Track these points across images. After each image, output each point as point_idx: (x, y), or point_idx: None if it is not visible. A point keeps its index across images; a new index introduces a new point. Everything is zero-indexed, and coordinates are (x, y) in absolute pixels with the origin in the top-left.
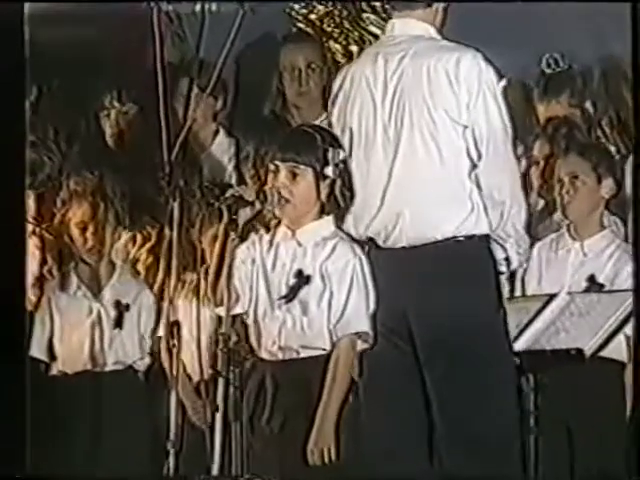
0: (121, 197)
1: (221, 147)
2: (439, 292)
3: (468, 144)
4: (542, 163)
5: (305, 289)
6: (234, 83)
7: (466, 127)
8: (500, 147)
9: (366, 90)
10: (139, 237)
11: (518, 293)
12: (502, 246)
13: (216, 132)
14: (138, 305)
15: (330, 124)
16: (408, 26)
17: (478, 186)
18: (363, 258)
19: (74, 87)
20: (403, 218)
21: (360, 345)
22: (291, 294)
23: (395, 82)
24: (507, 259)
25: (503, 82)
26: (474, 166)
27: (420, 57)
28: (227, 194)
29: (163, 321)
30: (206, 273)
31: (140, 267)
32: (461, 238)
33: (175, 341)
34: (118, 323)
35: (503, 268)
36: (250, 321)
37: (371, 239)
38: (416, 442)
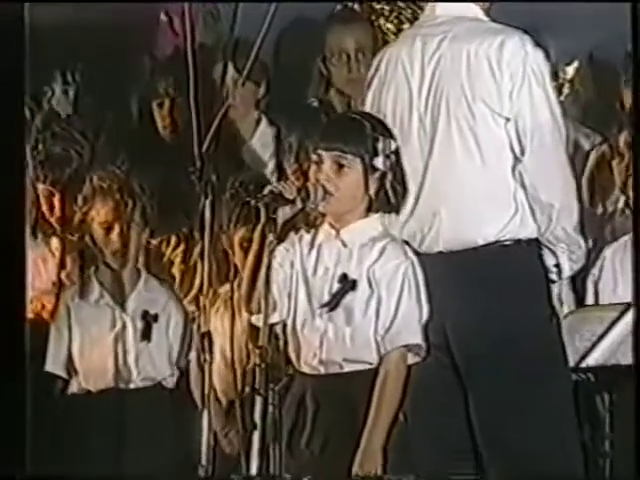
0: (150, 194)
1: (263, 138)
2: (482, 303)
3: (511, 138)
4: (627, 155)
5: (350, 296)
6: (273, 67)
7: (508, 119)
8: (547, 142)
9: (402, 75)
10: (173, 238)
11: (590, 301)
12: (552, 252)
13: (258, 121)
14: (167, 315)
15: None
16: (451, 5)
17: (523, 185)
18: (415, 261)
19: (106, 74)
20: (439, 218)
21: (411, 359)
22: (334, 301)
23: (433, 67)
24: (558, 266)
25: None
26: (518, 162)
27: (460, 41)
28: (265, 191)
29: (194, 332)
30: (240, 279)
31: (175, 271)
32: (507, 242)
33: (207, 355)
34: (146, 335)
35: (554, 276)
36: (288, 331)
37: (406, 242)
38: (462, 466)
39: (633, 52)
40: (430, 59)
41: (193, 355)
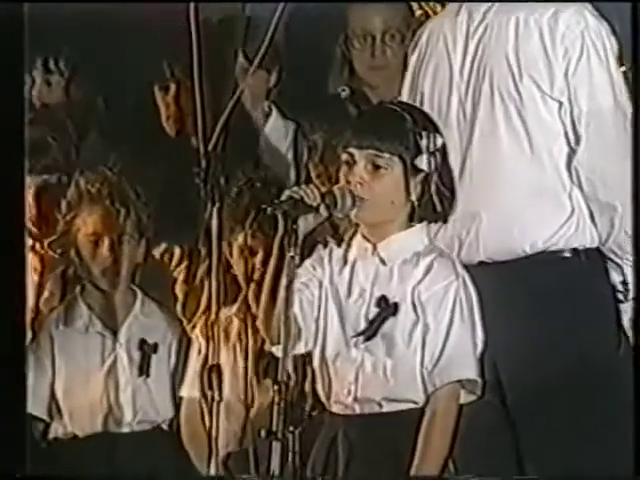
0: (147, 201)
1: (275, 134)
2: (533, 325)
3: (565, 125)
4: None
5: (391, 322)
6: (286, 50)
7: (561, 103)
8: (608, 131)
9: (443, 51)
10: (175, 252)
11: None
12: (618, 265)
13: (268, 114)
14: (168, 345)
15: (400, 94)
16: None
17: (579, 182)
18: (467, 280)
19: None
20: (479, 222)
21: (464, 397)
22: (372, 328)
23: (477, 40)
24: (625, 283)
25: None
26: (574, 155)
27: (509, 8)
28: (283, 196)
29: (199, 365)
30: (257, 300)
31: (177, 292)
32: (567, 254)
33: (216, 392)
34: (143, 369)
35: (620, 296)
36: (316, 364)
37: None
38: None
39: (633, 52)
40: (475, 31)
41: (196, 393)
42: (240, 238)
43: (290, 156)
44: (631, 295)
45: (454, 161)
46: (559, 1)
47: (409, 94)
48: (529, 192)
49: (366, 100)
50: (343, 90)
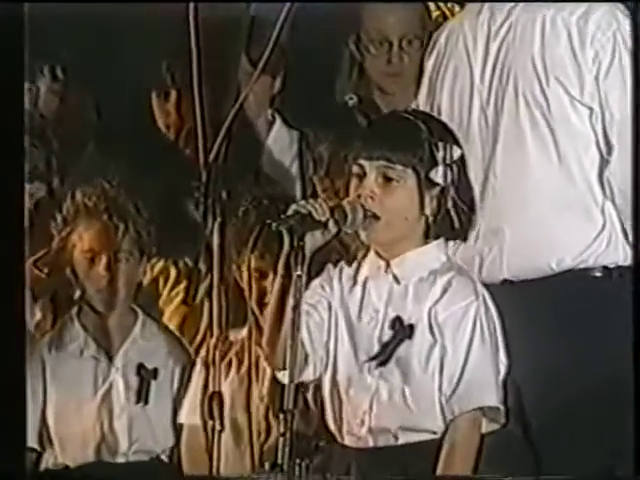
0: (148, 216)
1: (279, 144)
2: (560, 348)
3: (597, 133)
4: None
5: (406, 345)
6: (291, 54)
7: (591, 109)
8: None
9: (463, 52)
10: (173, 271)
11: None
12: None
13: (271, 123)
14: (170, 370)
15: (416, 100)
16: None
17: (611, 195)
18: (488, 299)
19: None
20: (503, 237)
21: (486, 426)
22: (386, 353)
23: (500, 40)
24: None
25: None
26: (606, 165)
27: (534, 7)
28: (289, 211)
29: (199, 391)
30: (257, 324)
31: (173, 314)
32: (597, 272)
33: (217, 422)
34: (142, 396)
35: None
36: (326, 392)
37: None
38: None
39: (633, 52)
40: (497, 31)
41: (197, 420)
42: (249, 260)
43: (295, 169)
44: None
45: (476, 171)
46: (568, 1)
47: (426, 101)
48: (557, 205)
49: (375, 108)
50: (350, 98)
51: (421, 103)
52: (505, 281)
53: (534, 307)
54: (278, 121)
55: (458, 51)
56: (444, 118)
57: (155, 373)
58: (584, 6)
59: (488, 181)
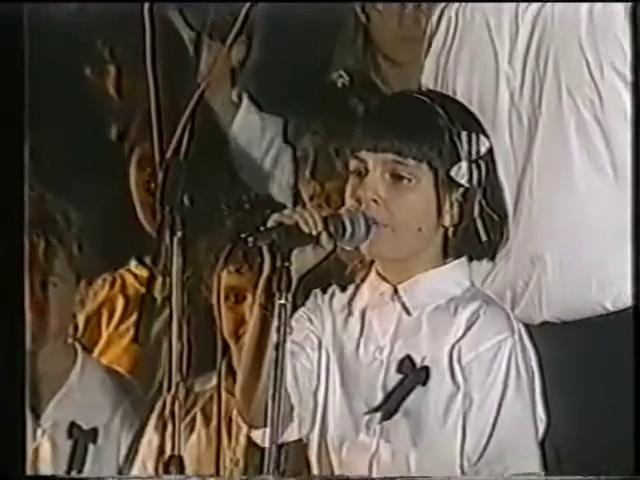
0: (80, 229)
1: (245, 134)
2: (614, 404)
3: None
4: None
5: (418, 394)
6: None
7: None
8: None
9: (482, 29)
10: (120, 300)
11: None
12: None
13: (237, 106)
14: (116, 431)
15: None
16: None
17: None
18: (526, 338)
19: None
20: (543, 268)
21: None
22: (392, 403)
23: (532, 17)
24: None
25: None
26: None
27: None
28: (270, 222)
29: (152, 456)
30: (229, 366)
31: (121, 356)
32: None
33: None
34: (74, 465)
35: None
36: (312, 453)
37: None
38: None
39: (633, 52)
40: (527, 7)
41: None
42: (222, 277)
43: (268, 165)
44: None
45: (506, 182)
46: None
47: (434, 88)
48: (612, 229)
49: (372, 89)
50: (340, 76)
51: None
52: (545, 323)
53: (581, 354)
54: (245, 104)
55: (475, 27)
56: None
57: (94, 435)
58: None
59: (522, 195)
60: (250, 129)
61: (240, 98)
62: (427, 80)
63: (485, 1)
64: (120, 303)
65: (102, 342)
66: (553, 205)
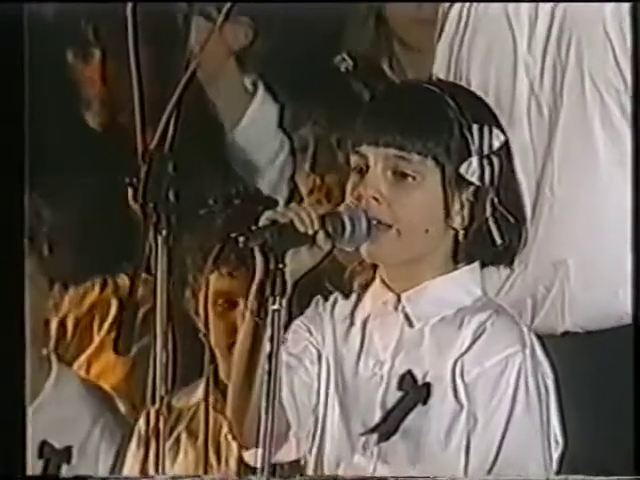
0: (52, 225)
1: (259, 123)
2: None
3: None
4: None
5: (419, 413)
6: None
7: None
8: None
9: (499, 17)
10: (114, 302)
11: None
12: None
13: (252, 95)
14: (93, 449)
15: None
16: None
17: None
18: (539, 351)
19: None
20: (565, 274)
21: None
22: (391, 422)
23: (551, 3)
24: None
25: None
26: None
27: None
28: (263, 220)
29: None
30: (216, 379)
31: (105, 367)
32: None
33: None
34: None
35: None
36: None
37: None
38: None
39: (633, 52)
40: None
41: None
42: (211, 280)
43: (281, 160)
44: None
45: (525, 179)
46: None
47: (446, 76)
48: None
49: (379, 75)
50: (343, 60)
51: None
52: (567, 333)
53: (606, 366)
54: (261, 93)
55: (491, 11)
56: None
57: (68, 454)
58: None
59: (542, 193)
60: (264, 122)
61: (256, 85)
62: (439, 68)
63: (497, 1)
64: (114, 306)
65: (93, 347)
66: (576, 204)
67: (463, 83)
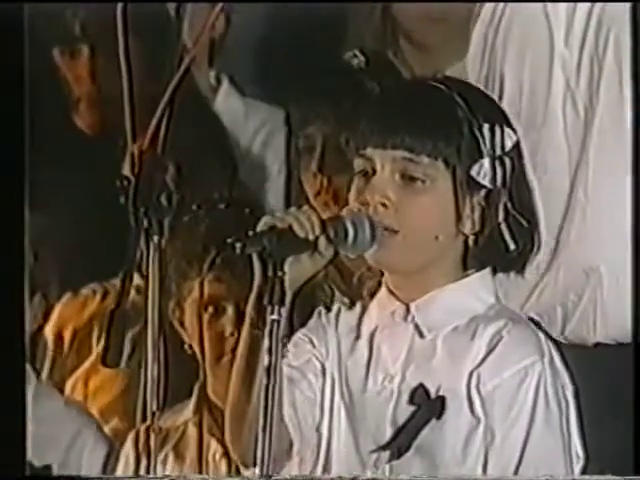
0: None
1: (230, 115)
2: None
3: None
4: None
5: (433, 428)
6: None
7: None
8: None
9: (536, 9)
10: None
11: None
12: None
13: (215, 86)
14: (74, 469)
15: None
16: None
17: None
18: (558, 362)
19: None
20: (598, 282)
21: None
22: (402, 439)
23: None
24: None
25: None
26: None
27: None
28: (261, 225)
29: None
30: (205, 396)
31: (96, 383)
32: None
33: None
34: None
35: None
36: None
37: (534, 322)
38: None
39: (633, 52)
40: None
41: None
42: (196, 287)
43: (255, 156)
44: None
45: (559, 179)
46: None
47: (479, 71)
48: None
49: (390, 72)
50: (355, 56)
51: (471, 75)
52: (598, 345)
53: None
54: (225, 86)
55: (521, 10)
56: (509, 98)
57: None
58: None
59: (575, 196)
60: (232, 117)
61: (219, 80)
62: (473, 56)
63: (526, 1)
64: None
65: (92, 359)
66: (611, 208)
67: (496, 75)
